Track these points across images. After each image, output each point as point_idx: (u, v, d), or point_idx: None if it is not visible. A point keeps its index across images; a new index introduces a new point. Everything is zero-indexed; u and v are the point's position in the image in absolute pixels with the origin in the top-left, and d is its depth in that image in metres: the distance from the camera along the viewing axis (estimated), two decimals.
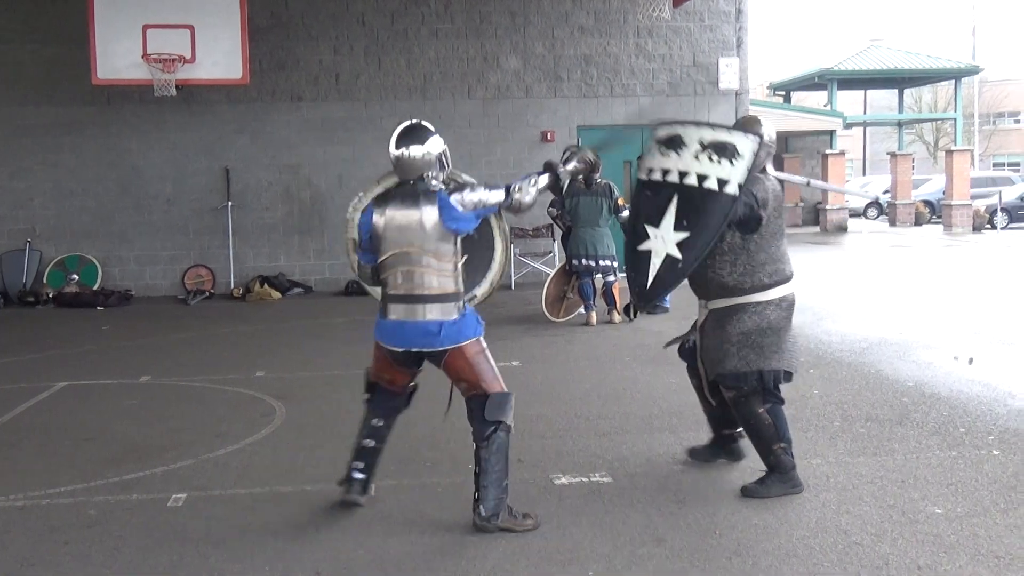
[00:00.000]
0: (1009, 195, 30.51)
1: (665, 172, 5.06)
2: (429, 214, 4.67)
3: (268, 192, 15.38)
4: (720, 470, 5.70)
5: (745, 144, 4.93)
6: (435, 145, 4.76)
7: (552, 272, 12.20)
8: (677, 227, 4.99)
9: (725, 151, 4.88)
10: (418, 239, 4.68)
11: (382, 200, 4.83)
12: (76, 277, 14.69)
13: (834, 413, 6.95)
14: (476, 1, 15.54)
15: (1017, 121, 55.06)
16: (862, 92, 40.81)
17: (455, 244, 4.75)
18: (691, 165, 4.95)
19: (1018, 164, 49.86)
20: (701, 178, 4.92)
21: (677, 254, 5.00)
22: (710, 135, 5.01)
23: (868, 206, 35.28)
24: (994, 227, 28.02)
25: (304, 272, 15.52)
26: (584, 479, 5.55)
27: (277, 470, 5.87)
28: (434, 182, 4.75)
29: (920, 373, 8.24)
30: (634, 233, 5.26)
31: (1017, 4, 71.66)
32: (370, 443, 5.01)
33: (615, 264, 11.17)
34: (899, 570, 4.20)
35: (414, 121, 4.91)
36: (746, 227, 5.10)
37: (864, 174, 46.86)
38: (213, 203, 15.19)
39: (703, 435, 6.51)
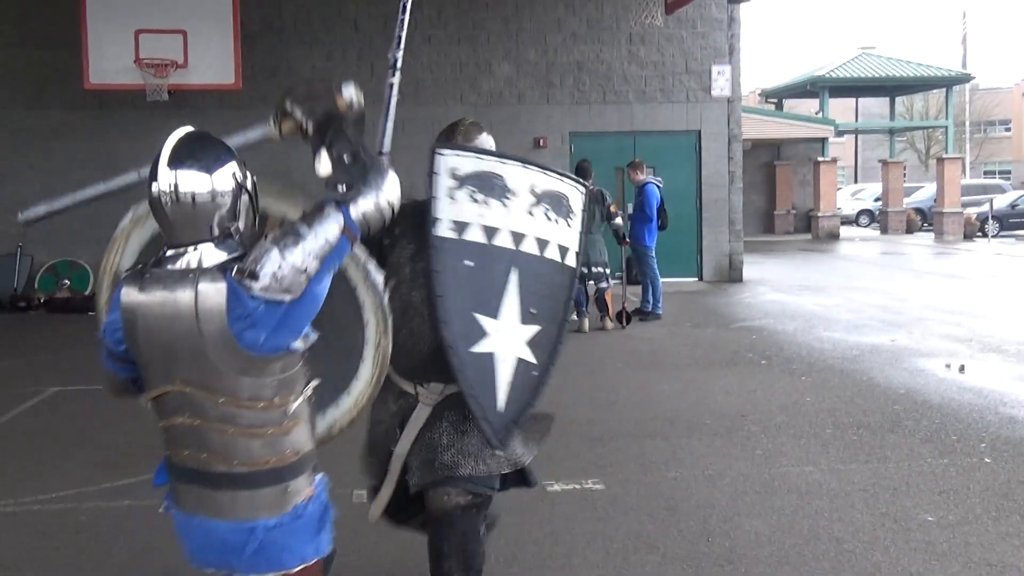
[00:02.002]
0: (1000, 203, 30.59)
1: (490, 232, 3.27)
2: (209, 316, 2.40)
3: None
4: (713, 477, 5.70)
5: (576, 197, 3.47)
6: (227, 177, 2.53)
7: None
8: (525, 318, 3.31)
9: (561, 207, 3.40)
10: (196, 369, 2.46)
11: (135, 275, 2.52)
12: (68, 282, 14.66)
13: (826, 420, 6.95)
14: (469, 7, 15.54)
15: (1008, 129, 55.22)
16: (854, 100, 40.91)
17: (282, 363, 2.49)
18: (526, 224, 3.32)
19: (1009, 172, 50.07)
20: (542, 244, 3.37)
21: (530, 357, 3.31)
22: (543, 181, 3.37)
23: (859, 213, 35.37)
24: (985, 235, 28.02)
25: None
26: (577, 486, 5.54)
27: None
28: (219, 249, 2.48)
29: (912, 380, 8.25)
30: (460, 326, 3.22)
31: (1007, 14, 72.02)
32: None
33: (607, 271, 11.28)
34: None
35: (192, 130, 2.68)
36: None
37: (856, 181, 46.92)
38: None
39: (695, 442, 6.52)
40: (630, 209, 12.04)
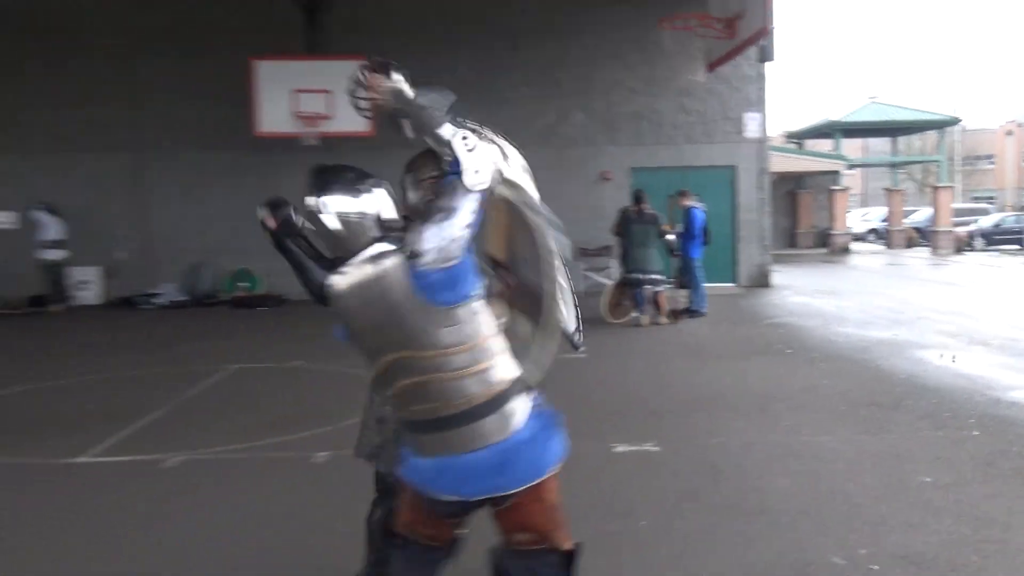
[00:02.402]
0: (985, 223, 29.93)
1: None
2: (399, 290, 2.39)
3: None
4: (747, 444, 5.62)
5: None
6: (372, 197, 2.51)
7: (611, 283, 12.18)
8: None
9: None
10: (403, 336, 2.41)
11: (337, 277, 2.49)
12: (244, 285, 15.08)
13: (840, 400, 6.80)
14: (551, 70, 15.55)
15: (992, 163, 53.21)
16: (862, 140, 39.87)
17: (467, 309, 2.41)
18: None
19: (993, 198, 48.16)
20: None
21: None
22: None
23: (868, 232, 34.49)
24: (973, 249, 27.33)
25: None
26: (637, 448, 5.52)
27: None
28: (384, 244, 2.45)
29: (912, 368, 8.01)
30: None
31: (992, 63, 69.35)
32: None
33: (661, 277, 11.24)
34: (895, 527, 4.11)
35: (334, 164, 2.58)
36: None
37: (864, 205, 45.89)
38: None
39: (733, 415, 6.43)
40: (679, 228, 11.96)
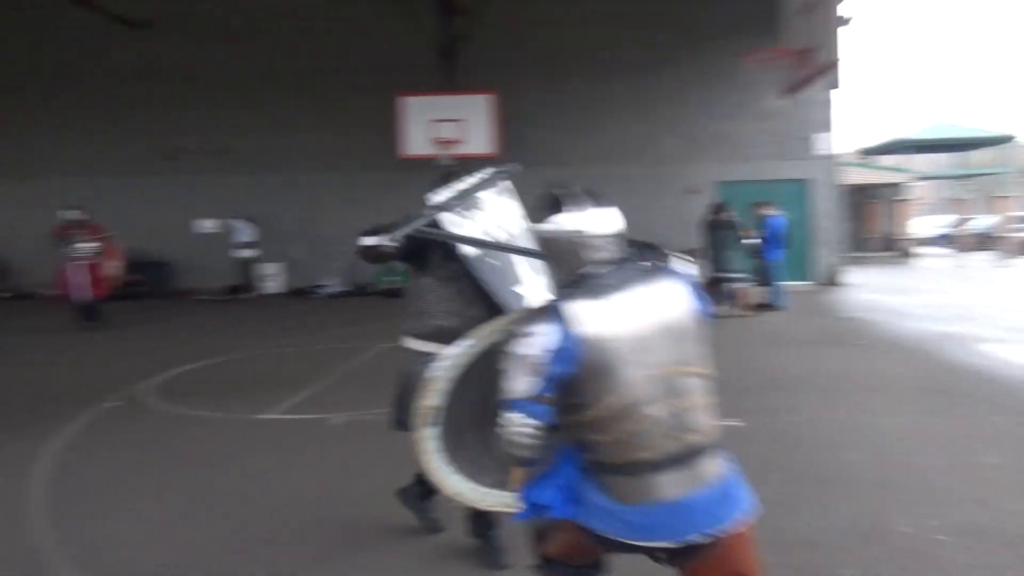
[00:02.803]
0: None
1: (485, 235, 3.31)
2: (682, 299, 2.03)
3: None
4: (822, 421, 5.37)
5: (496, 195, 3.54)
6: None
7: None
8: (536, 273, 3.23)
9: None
10: (679, 350, 1.99)
11: (580, 292, 1.98)
12: (392, 278, 15.46)
13: (909, 386, 6.42)
14: (646, 96, 15.27)
15: None
16: (930, 154, 37.54)
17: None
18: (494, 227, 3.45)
19: None
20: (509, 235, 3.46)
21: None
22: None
23: (935, 237, 32.39)
24: None
25: None
26: (724, 423, 5.33)
27: None
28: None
29: (976, 359, 7.47)
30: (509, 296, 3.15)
31: None
32: None
33: (741, 275, 11.01)
34: (961, 502, 3.85)
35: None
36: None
37: (932, 214, 43.19)
38: None
39: (810, 396, 6.16)
40: (759, 233, 11.61)
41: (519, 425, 1.92)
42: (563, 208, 2.08)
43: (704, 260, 11.56)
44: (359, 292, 15.30)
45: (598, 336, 1.90)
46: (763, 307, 11.33)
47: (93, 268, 10.53)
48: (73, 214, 10.74)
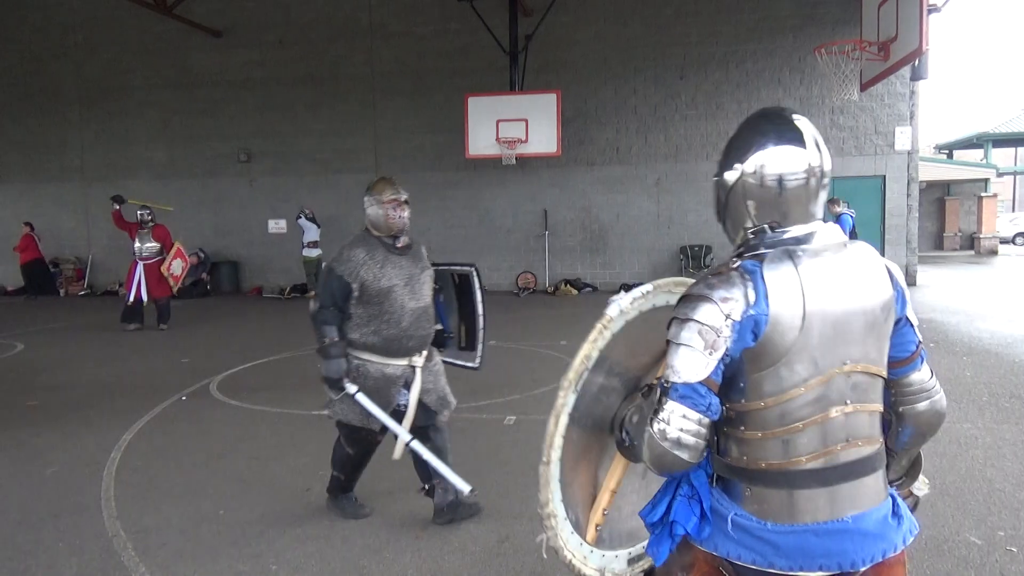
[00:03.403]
0: None
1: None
2: (885, 285, 1.59)
3: (570, 225, 15.64)
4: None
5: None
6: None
7: None
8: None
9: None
10: (867, 344, 1.56)
11: (777, 255, 1.51)
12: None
13: (983, 391, 6.15)
14: (713, 95, 15.01)
15: None
16: (1014, 148, 35.58)
17: None
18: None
19: None
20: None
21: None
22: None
23: (1016, 235, 30.76)
24: None
25: (593, 277, 15.66)
26: None
27: None
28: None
29: None
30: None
31: None
32: None
33: None
34: None
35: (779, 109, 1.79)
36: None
37: (1013, 211, 40.97)
38: (536, 232, 15.61)
39: None
40: None
41: (682, 418, 1.47)
42: (774, 141, 1.60)
43: None
44: None
45: (791, 312, 1.47)
46: None
47: (157, 267, 10.86)
48: (142, 214, 11.05)
